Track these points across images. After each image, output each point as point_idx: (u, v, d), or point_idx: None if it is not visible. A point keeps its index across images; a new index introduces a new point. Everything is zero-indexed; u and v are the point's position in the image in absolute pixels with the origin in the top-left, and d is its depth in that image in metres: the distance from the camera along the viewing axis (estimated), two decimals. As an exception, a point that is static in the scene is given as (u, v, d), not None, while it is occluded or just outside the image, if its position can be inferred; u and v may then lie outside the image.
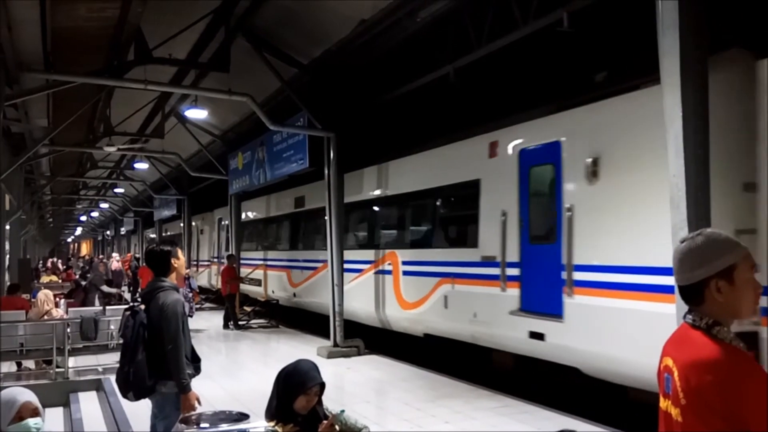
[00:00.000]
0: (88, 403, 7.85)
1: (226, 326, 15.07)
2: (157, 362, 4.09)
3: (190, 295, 13.47)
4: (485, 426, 6.71)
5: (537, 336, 7.39)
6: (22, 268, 19.96)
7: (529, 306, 7.63)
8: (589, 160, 6.79)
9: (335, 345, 11.06)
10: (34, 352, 9.24)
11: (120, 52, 9.99)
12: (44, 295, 10.34)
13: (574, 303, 6.89)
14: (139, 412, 5.54)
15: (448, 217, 9.85)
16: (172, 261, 4.35)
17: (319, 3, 9.21)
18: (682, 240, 1.92)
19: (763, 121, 5.39)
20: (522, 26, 7.40)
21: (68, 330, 9.13)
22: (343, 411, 3.28)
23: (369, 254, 11.51)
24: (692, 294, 1.86)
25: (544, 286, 7.41)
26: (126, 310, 4.42)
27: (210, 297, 21.85)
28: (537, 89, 8.74)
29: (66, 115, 12.32)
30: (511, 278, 7.93)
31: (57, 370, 8.96)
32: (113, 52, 10.04)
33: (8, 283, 13.05)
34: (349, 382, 9.17)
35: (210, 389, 7.99)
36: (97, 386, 8.56)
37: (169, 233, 29.08)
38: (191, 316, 11.70)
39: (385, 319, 11.04)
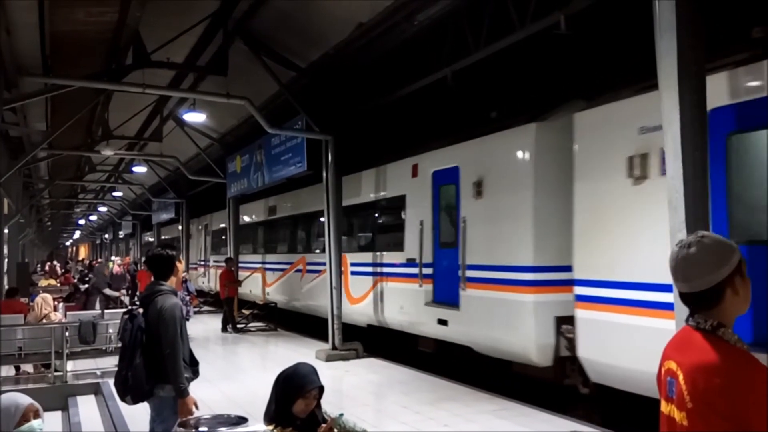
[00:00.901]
0: (86, 407, 7.85)
1: (224, 329, 15.05)
2: (155, 366, 4.09)
3: (188, 298, 13.45)
4: (484, 429, 6.71)
5: (443, 322, 9.21)
6: (20, 271, 19.92)
7: (438, 298, 9.48)
8: (475, 181, 8.63)
9: (334, 348, 11.05)
10: (33, 355, 9.21)
11: (118, 55, 10.00)
12: (42, 299, 10.33)
13: (467, 295, 8.72)
14: (138, 415, 5.53)
15: (384, 225, 11.67)
16: (176, 265, 4.40)
17: (316, 6, 9.23)
18: (681, 248, 1.85)
19: None
20: (519, 29, 7.42)
21: (67, 334, 9.11)
22: (341, 414, 3.28)
23: (320, 257, 13.00)
24: (710, 296, 1.80)
25: (448, 282, 9.18)
26: (124, 313, 4.42)
27: (208, 300, 21.86)
28: (447, 123, 10.45)
29: (64, 119, 12.32)
30: (426, 276, 9.75)
31: (55, 373, 8.93)
32: (111, 56, 10.06)
33: (6, 287, 13.03)
34: (348, 385, 9.16)
35: (208, 392, 7.98)
36: (96, 390, 8.56)
37: (165, 237, 29.09)
38: (188, 319, 11.69)
39: (361, 314, 12.26)
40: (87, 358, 9.80)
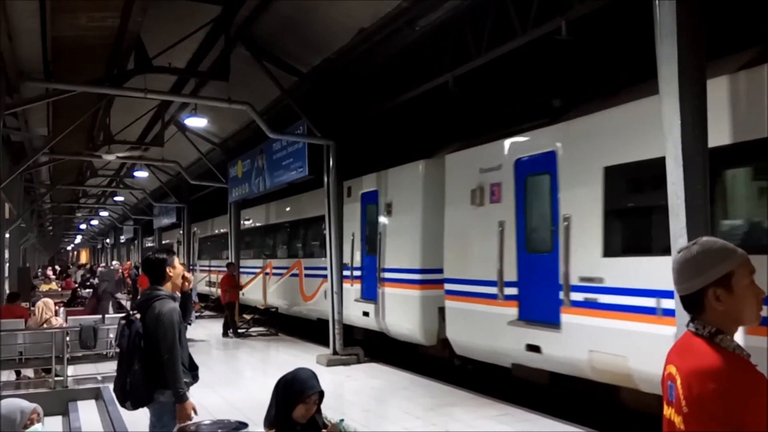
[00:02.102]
0: (86, 412, 7.84)
1: (225, 334, 15.04)
2: (154, 371, 4.07)
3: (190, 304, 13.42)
4: (485, 434, 6.69)
5: (366, 314, 11.29)
6: (21, 276, 19.94)
7: (364, 295, 11.48)
8: (387, 202, 10.80)
9: (335, 353, 11.04)
10: (33, 360, 9.21)
11: (120, 61, 10.03)
12: (43, 304, 10.32)
13: (382, 292, 10.78)
14: (138, 420, 5.52)
15: (323, 236, 13.17)
16: (167, 270, 4.28)
17: (318, 12, 9.25)
18: (679, 250, 1.91)
19: None
20: (521, 35, 7.43)
21: (67, 338, 9.11)
22: (342, 420, 3.27)
23: (287, 262, 15.63)
24: (692, 304, 1.86)
25: (371, 282, 11.20)
26: (122, 319, 4.40)
27: (210, 305, 21.88)
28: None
29: (66, 124, 12.34)
30: (356, 277, 11.72)
31: (56, 378, 8.93)
32: (113, 61, 10.08)
33: (8, 292, 13.04)
34: (349, 391, 9.15)
35: (209, 398, 7.97)
36: (96, 395, 8.55)
37: (167, 241, 29.15)
38: (190, 324, 11.69)
39: (295, 309, 14.80)
40: (88, 363, 9.80)
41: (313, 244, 14.56)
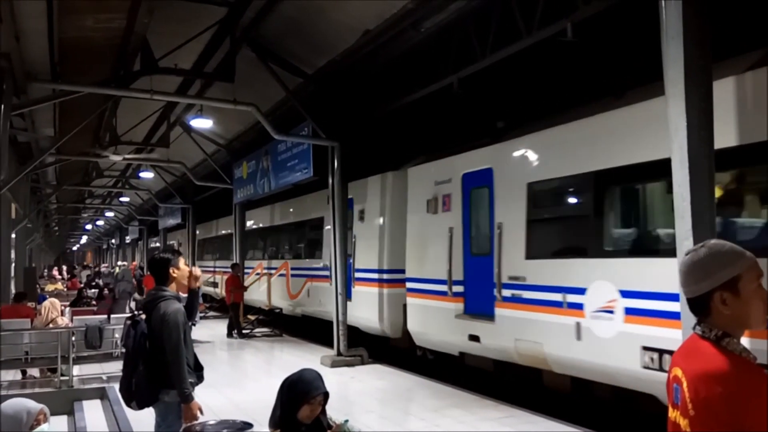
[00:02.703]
0: (92, 412, 7.86)
1: (230, 335, 15.06)
2: (159, 372, 4.08)
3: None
4: (489, 436, 6.68)
5: None
6: (27, 276, 20.01)
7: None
8: (360, 209, 12.00)
9: (339, 354, 11.04)
10: (39, 360, 9.26)
11: (126, 62, 10.06)
12: (50, 303, 10.37)
13: (355, 291, 11.96)
14: (143, 420, 5.54)
15: (311, 239, 15.02)
16: (171, 270, 4.28)
17: (323, 14, 9.27)
18: (687, 252, 1.90)
19: None
20: (526, 36, 7.42)
21: (73, 338, 9.15)
22: (346, 421, 3.28)
23: (276, 263, 16.90)
24: (699, 306, 1.85)
25: (348, 282, 11.77)
26: (127, 319, 4.41)
27: (213, 305, 21.93)
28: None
29: (72, 125, 12.39)
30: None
31: (62, 378, 8.97)
32: (119, 62, 10.11)
33: (14, 291, 13.09)
34: (353, 392, 9.15)
35: (213, 398, 7.98)
36: (102, 395, 8.57)
37: (172, 242, 29.24)
38: (195, 325, 11.73)
39: (283, 305, 15.82)
40: (93, 363, 9.83)
41: (298, 246, 15.97)
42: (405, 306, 10.58)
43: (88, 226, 49.63)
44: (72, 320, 10.68)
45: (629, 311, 6.24)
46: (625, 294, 6.29)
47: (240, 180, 16.21)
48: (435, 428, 7.02)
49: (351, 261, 11.95)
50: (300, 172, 12.09)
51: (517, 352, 7.81)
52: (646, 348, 6.01)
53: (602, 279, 6.57)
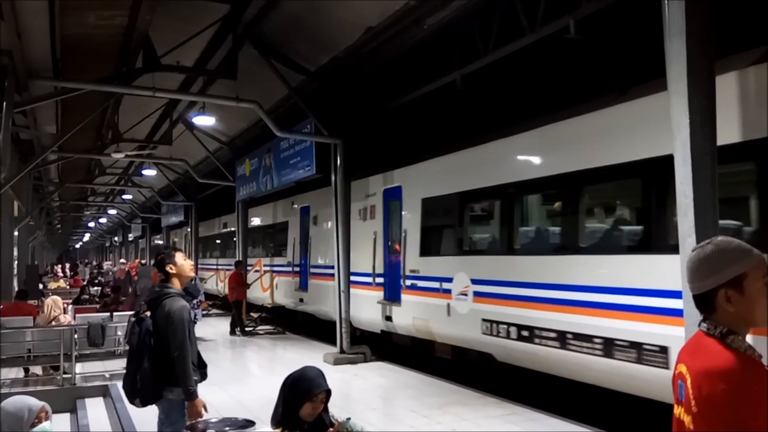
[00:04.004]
0: (95, 409, 7.88)
1: (232, 332, 15.08)
2: (163, 369, 4.08)
3: (195, 302, 13.45)
4: (492, 434, 6.69)
5: (301, 300, 14.87)
6: (30, 273, 20.05)
7: (301, 286, 14.93)
8: (314, 215, 14.39)
9: (342, 352, 11.05)
10: (42, 358, 9.27)
11: (128, 59, 10.06)
12: (52, 301, 10.38)
13: (311, 284, 14.33)
14: (146, 418, 5.55)
15: (279, 240, 17.14)
16: (168, 267, 4.28)
17: (326, 11, 9.25)
18: (694, 249, 1.90)
19: None
20: (529, 33, 7.40)
21: (75, 336, 9.16)
22: (349, 419, 3.27)
23: (251, 261, 18.74)
24: (704, 303, 1.84)
25: (305, 276, 14.65)
26: (132, 316, 4.41)
27: (217, 303, 21.95)
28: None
29: (74, 122, 12.40)
30: (296, 272, 15.26)
31: (64, 376, 8.97)
32: (122, 60, 10.11)
33: (16, 289, 13.10)
34: (356, 389, 9.15)
35: (216, 396, 8.00)
36: (104, 392, 8.59)
37: (176, 240, 29.29)
38: (196, 322, 11.75)
39: (256, 297, 17.15)
40: (96, 361, 9.84)
41: (269, 246, 18.13)
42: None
43: (91, 224, 49.65)
44: (74, 318, 10.69)
45: (476, 294, 8.64)
46: (474, 281, 8.70)
47: (243, 177, 16.22)
48: (437, 425, 7.02)
49: (307, 259, 14.54)
50: (303, 170, 12.08)
51: (414, 327, 10.14)
52: (484, 320, 8.35)
53: (461, 271, 8.96)
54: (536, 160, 7.95)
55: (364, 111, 11.46)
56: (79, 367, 9.42)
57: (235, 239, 19.34)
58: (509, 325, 7.81)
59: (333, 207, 11.47)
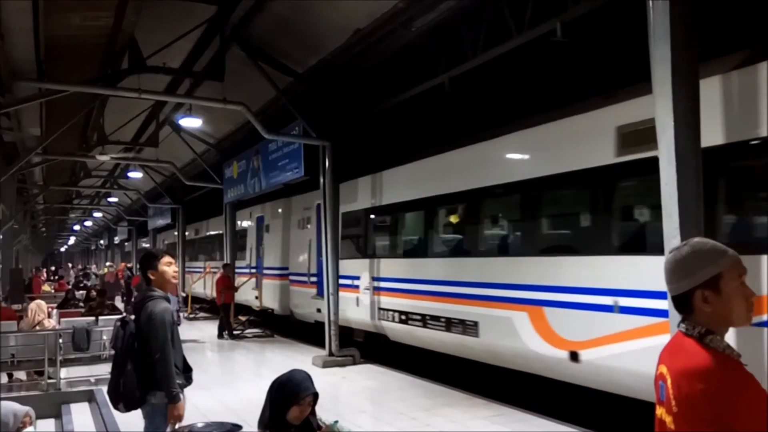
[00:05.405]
0: (80, 415, 7.77)
1: (220, 336, 14.99)
2: (146, 373, 4.04)
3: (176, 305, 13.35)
4: (480, 435, 6.69)
5: (256, 297, 16.76)
6: (13, 278, 19.81)
7: (256, 285, 16.91)
8: (267, 224, 16.73)
9: (330, 354, 11.02)
10: (26, 363, 9.14)
11: (114, 60, 9.98)
12: (36, 305, 10.25)
13: (265, 283, 16.54)
14: (131, 423, 5.49)
15: (240, 245, 18.98)
16: (149, 273, 4.26)
17: (314, 12, 9.24)
18: (671, 250, 1.92)
19: None
20: (516, 36, 7.43)
21: (60, 341, 9.05)
22: (336, 422, 3.26)
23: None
24: (682, 304, 1.86)
25: (261, 276, 16.87)
26: (117, 320, 4.38)
27: (205, 306, 21.86)
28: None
29: (59, 124, 12.29)
30: (252, 273, 17.50)
31: (49, 381, 8.86)
32: (107, 61, 10.03)
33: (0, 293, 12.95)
34: (345, 392, 9.12)
35: (204, 400, 7.94)
36: (90, 397, 8.47)
37: (167, 242, 29.12)
38: (179, 324, 11.68)
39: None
40: (81, 365, 9.74)
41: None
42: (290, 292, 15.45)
43: (76, 227, 49.21)
44: (59, 322, 10.57)
45: (376, 289, 11.14)
46: (375, 279, 11.21)
47: (230, 180, 16.15)
48: (426, 427, 7.02)
49: (261, 261, 16.92)
50: (291, 172, 12.04)
51: (340, 317, 11.70)
52: (380, 308, 10.93)
53: (366, 271, 11.45)
54: (406, 189, 10.68)
55: (352, 113, 11.44)
56: (64, 372, 9.31)
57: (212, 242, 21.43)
58: (395, 311, 10.50)
59: (323, 208, 11.41)
